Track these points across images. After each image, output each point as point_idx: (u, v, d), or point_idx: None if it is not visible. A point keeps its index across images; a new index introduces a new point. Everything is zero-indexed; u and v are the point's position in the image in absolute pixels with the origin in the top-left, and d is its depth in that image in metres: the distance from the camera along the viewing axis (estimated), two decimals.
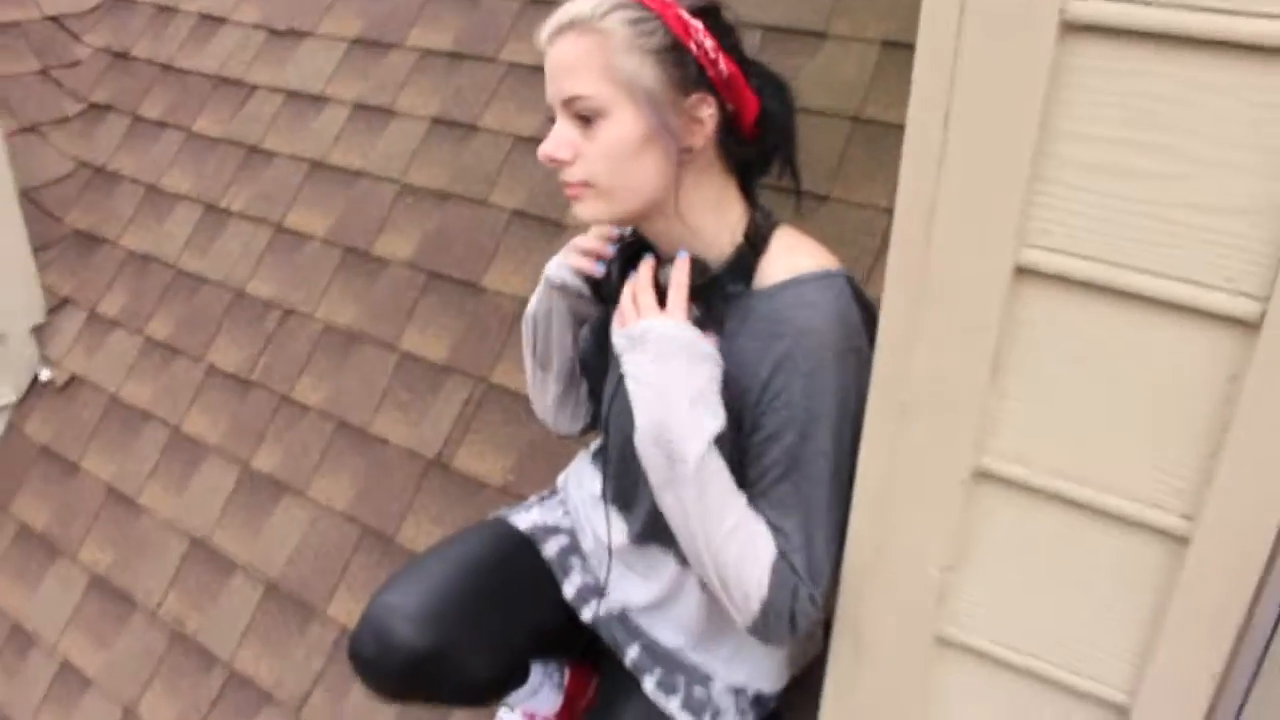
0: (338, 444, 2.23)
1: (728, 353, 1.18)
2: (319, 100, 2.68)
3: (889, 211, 1.88)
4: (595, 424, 1.53)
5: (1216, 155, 0.87)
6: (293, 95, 2.74)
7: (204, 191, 2.74)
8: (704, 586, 1.32)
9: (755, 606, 1.14)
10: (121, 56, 3.17)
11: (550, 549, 1.47)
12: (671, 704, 1.36)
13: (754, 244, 1.21)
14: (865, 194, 1.97)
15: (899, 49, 2.06)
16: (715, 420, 1.14)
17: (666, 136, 1.15)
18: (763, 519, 1.16)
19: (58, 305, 2.81)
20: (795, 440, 1.15)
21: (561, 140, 1.16)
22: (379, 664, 1.31)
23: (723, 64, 1.16)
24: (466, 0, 2.62)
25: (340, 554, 2.12)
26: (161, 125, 2.95)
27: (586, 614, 1.43)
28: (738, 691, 1.40)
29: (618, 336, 1.18)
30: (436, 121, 2.47)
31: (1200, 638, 1.00)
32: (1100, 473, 1.00)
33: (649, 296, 1.18)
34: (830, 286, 1.19)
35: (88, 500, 2.52)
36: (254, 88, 2.83)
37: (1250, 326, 0.89)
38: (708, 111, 1.16)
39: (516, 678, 1.51)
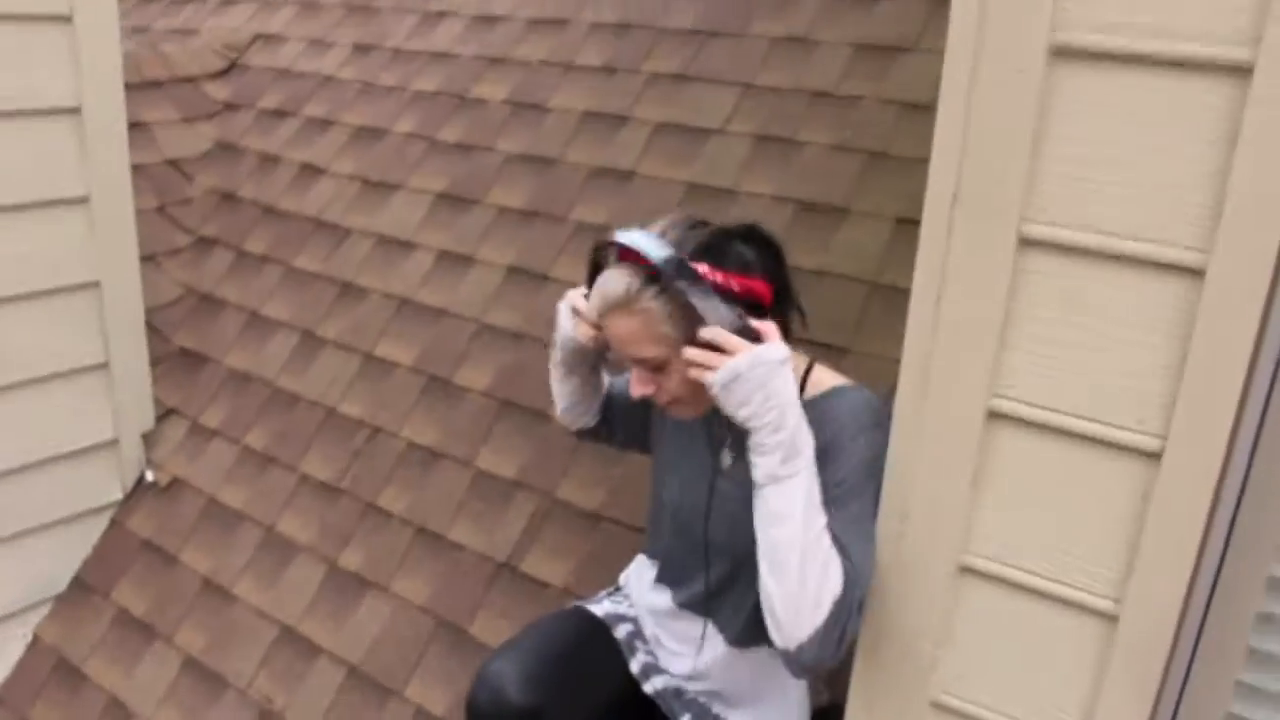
0: (417, 547, 2.56)
1: None
2: (408, 246, 3.09)
3: (898, 362, 2.24)
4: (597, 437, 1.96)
5: (1126, 335, 1.22)
6: (384, 240, 3.15)
7: (301, 320, 3.13)
8: (731, 639, 1.65)
9: (824, 612, 1.38)
10: (229, 197, 3.60)
11: (620, 632, 1.79)
12: None
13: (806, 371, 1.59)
14: (880, 348, 2.32)
15: (911, 224, 2.44)
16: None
17: None
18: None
19: (164, 414, 3.17)
20: (848, 490, 1.47)
21: (645, 381, 1.56)
22: (489, 715, 1.61)
23: (734, 283, 1.50)
24: (539, 164, 3.04)
25: (417, 643, 2.42)
26: (264, 259, 3.35)
27: (649, 687, 1.75)
28: None
29: (719, 377, 1.43)
30: (512, 270, 2.86)
31: (1131, 694, 1.32)
32: (1052, 567, 1.33)
33: (734, 338, 1.45)
34: (860, 391, 1.58)
35: (184, 589, 2.83)
36: (349, 231, 3.24)
37: (1154, 456, 1.24)
38: None
39: None
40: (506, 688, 1.60)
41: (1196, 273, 1.19)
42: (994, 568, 1.40)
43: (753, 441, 1.43)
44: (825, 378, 1.62)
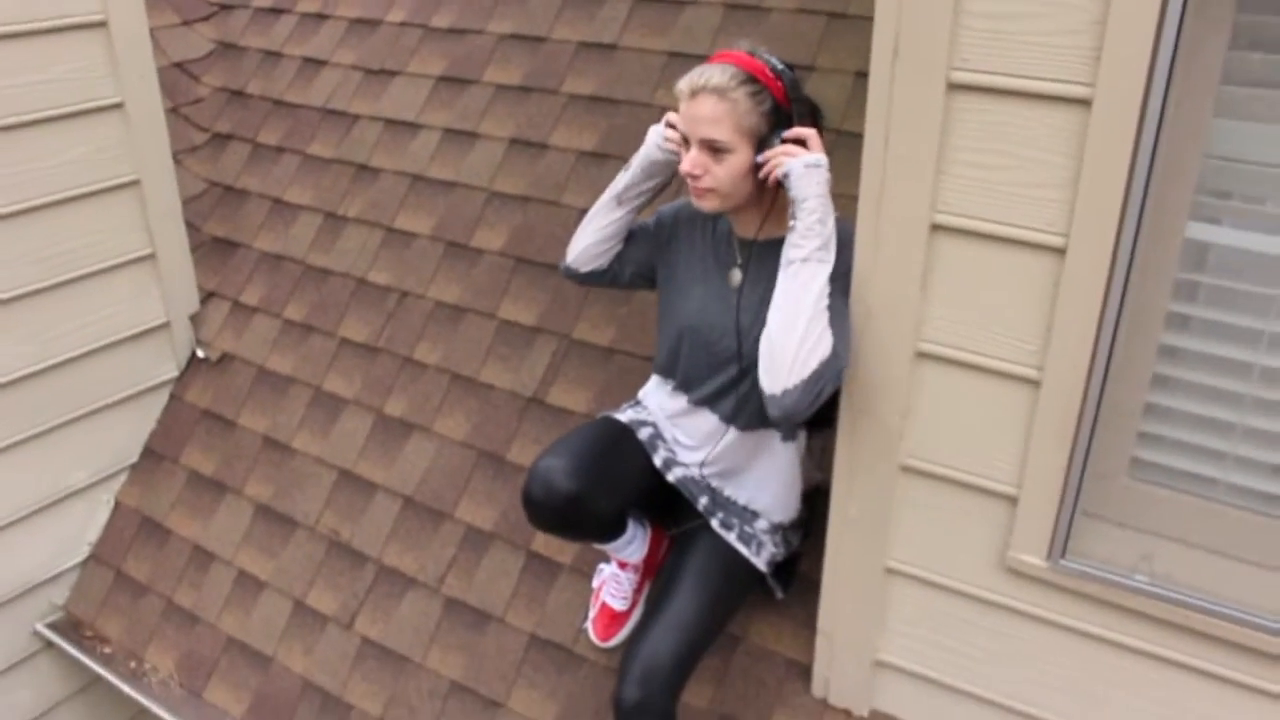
0: (453, 391, 2.92)
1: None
2: (414, 126, 3.38)
3: (849, 195, 2.57)
4: (601, 279, 2.27)
5: (1035, 156, 1.56)
6: (391, 123, 3.43)
7: (322, 202, 3.43)
8: (741, 425, 2.06)
9: (811, 368, 1.75)
10: (237, 94, 3.86)
11: (643, 434, 2.17)
12: (730, 536, 2.07)
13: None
14: (844, 188, 2.64)
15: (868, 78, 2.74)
16: None
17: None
18: None
19: (206, 298, 3.50)
20: (834, 292, 1.82)
21: (697, 162, 1.88)
22: (545, 504, 1.99)
23: (794, 115, 1.87)
24: (529, 43, 3.31)
25: (462, 472, 2.80)
26: (280, 150, 3.63)
27: (670, 477, 2.13)
28: (773, 529, 2.10)
29: (801, 160, 1.83)
30: (513, 142, 3.16)
31: (1051, 444, 1.70)
32: (987, 346, 1.70)
33: (818, 139, 1.89)
34: (841, 221, 1.92)
35: (247, 448, 3.20)
36: (357, 117, 3.52)
37: (1060, 251, 1.59)
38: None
39: (619, 528, 2.19)
40: (555, 479, 1.98)
41: (1085, 103, 1.53)
42: (943, 350, 1.77)
43: (802, 225, 1.82)
44: None
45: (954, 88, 1.62)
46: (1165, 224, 1.60)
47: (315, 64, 3.73)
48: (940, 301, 1.75)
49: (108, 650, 3.15)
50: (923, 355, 1.80)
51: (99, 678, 3.25)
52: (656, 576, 2.32)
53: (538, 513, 2.02)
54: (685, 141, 1.92)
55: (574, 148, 3.06)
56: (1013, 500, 1.80)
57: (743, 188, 1.91)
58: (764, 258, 1.98)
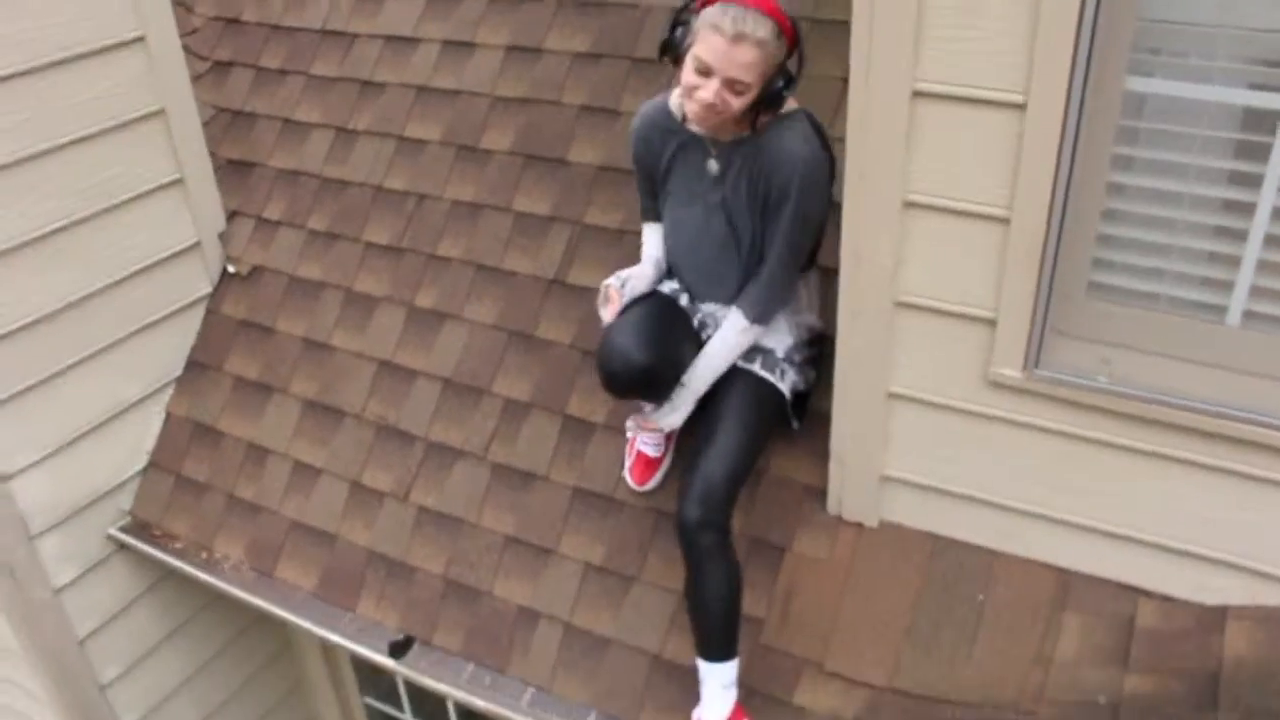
0: (479, 281, 3.21)
1: (754, 169, 2.27)
2: (413, 41, 3.60)
3: (842, 80, 2.86)
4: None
5: (994, 26, 1.87)
6: (390, 39, 3.66)
7: (332, 118, 3.66)
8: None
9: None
10: (233, 22, 4.04)
11: (683, 301, 2.52)
12: (755, 366, 2.44)
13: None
14: (822, 69, 2.93)
15: None
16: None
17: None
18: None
19: (229, 217, 3.74)
20: (790, 210, 2.25)
21: (719, 95, 2.14)
22: (624, 374, 2.33)
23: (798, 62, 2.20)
24: None
25: (495, 351, 3.11)
26: (282, 73, 3.85)
27: (705, 334, 2.49)
28: (787, 359, 2.45)
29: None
30: (510, 49, 3.40)
31: (1021, 271, 2.03)
32: (967, 192, 2.02)
33: None
34: (799, 119, 2.29)
35: (287, 351, 3.49)
36: (355, 36, 3.73)
37: (1021, 107, 1.90)
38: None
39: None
40: (631, 355, 2.32)
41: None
42: (926, 199, 2.10)
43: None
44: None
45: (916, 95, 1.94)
46: (1108, 78, 1.91)
47: None
48: (922, 157, 2.07)
49: (178, 546, 3.46)
50: (910, 205, 2.12)
51: (168, 574, 3.60)
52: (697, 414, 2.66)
53: (617, 381, 2.36)
54: (705, 71, 2.14)
55: (569, 50, 3.31)
56: (992, 323, 2.14)
57: (742, 112, 2.21)
58: (734, 152, 2.33)
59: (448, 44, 3.53)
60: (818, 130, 2.30)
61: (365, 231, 3.47)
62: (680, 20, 2.21)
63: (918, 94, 2.01)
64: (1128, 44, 1.88)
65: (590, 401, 2.92)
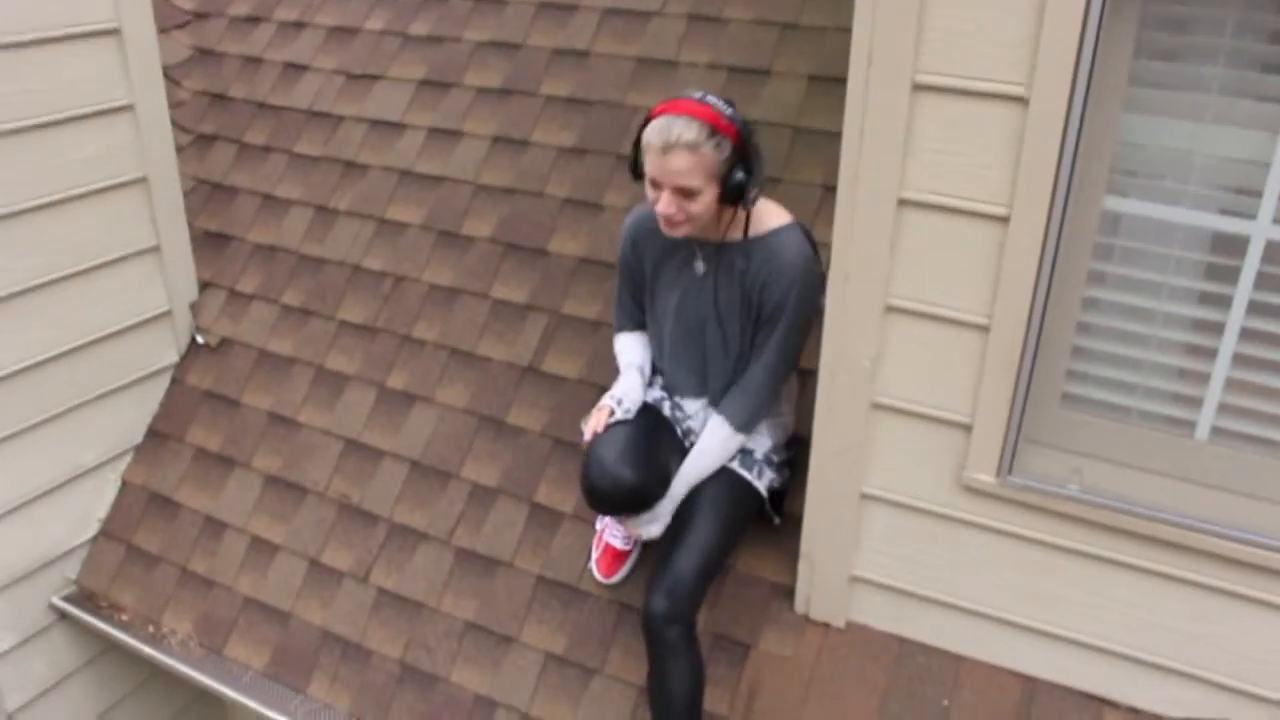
0: (452, 365, 3.22)
1: (746, 277, 2.31)
2: (399, 126, 3.66)
3: (823, 186, 2.95)
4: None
5: (981, 142, 1.94)
6: (376, 123, 3.71)
7: (313, 197, 3.70)
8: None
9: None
10: (219, 97, 4.09)
11: (666, 410, 2.54)
12: (734, 464, 2.46)
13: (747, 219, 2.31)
14: (805, 176, 3.02)
15: (821, 80, 3.13)
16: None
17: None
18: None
19: (202, 288, 3.73)
20: (784, 321, 2.30)
21: (673, 204, 2.21)
22: (613, 494, 2.33)
23: (749, 153, 2.23)
24: (506, 49, 3.62)
25: (465, 436, 3.11)
26: (267, 149, 3.89)
27: (688, 442, 2.52)
28: (765, 460, 2.48)
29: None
30: (496, 139, 3.47)
31: (999, 379, 2.08)
32: (946, 299, 2.08)
33: None
34: (794, 232, 2.31)
35: (252, 425, 3.46)
36: (342, 118, 3.79)
37: (1004, 220, 1.97)
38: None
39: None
40: (621, 472, 2.32)
41: (1023, 100, 1.91)
42: (908, 304, 2.15)
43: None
44: (769, 211, 2.35)
45: (918, 89, 1.99)
46: (1087, 197, 1.99)
47: (297, 69, 3.98)
48: (906, 263, 2.13)
49: (124, 618, 3.37)
50: (891, 309, 2.17)
51: (110, 647, 3.49)
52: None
53: (605, 501, 2.36)
54: (656, 185, 2.21)
55: (555, 144, 3.38)
56: (968, 428, 2.18)
57: (709, 214, 2.26)
58: (721, 254, 2.37)
59: (434, 131, 3.59)
60: (810, 242, 2.35)
61: (340, 310, 3.48)
62: (636, 140, 2.27)
63: (904, 202, 2.08)
64: (1106, 165, 1.97)
65: (559, 490, 2.92)
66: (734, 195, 2.22)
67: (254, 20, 4.21)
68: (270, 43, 4.11)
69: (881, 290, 2.16)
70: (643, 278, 2.53)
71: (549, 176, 3.34)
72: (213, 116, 4.07)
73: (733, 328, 2.40)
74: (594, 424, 2.41)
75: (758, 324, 2.37)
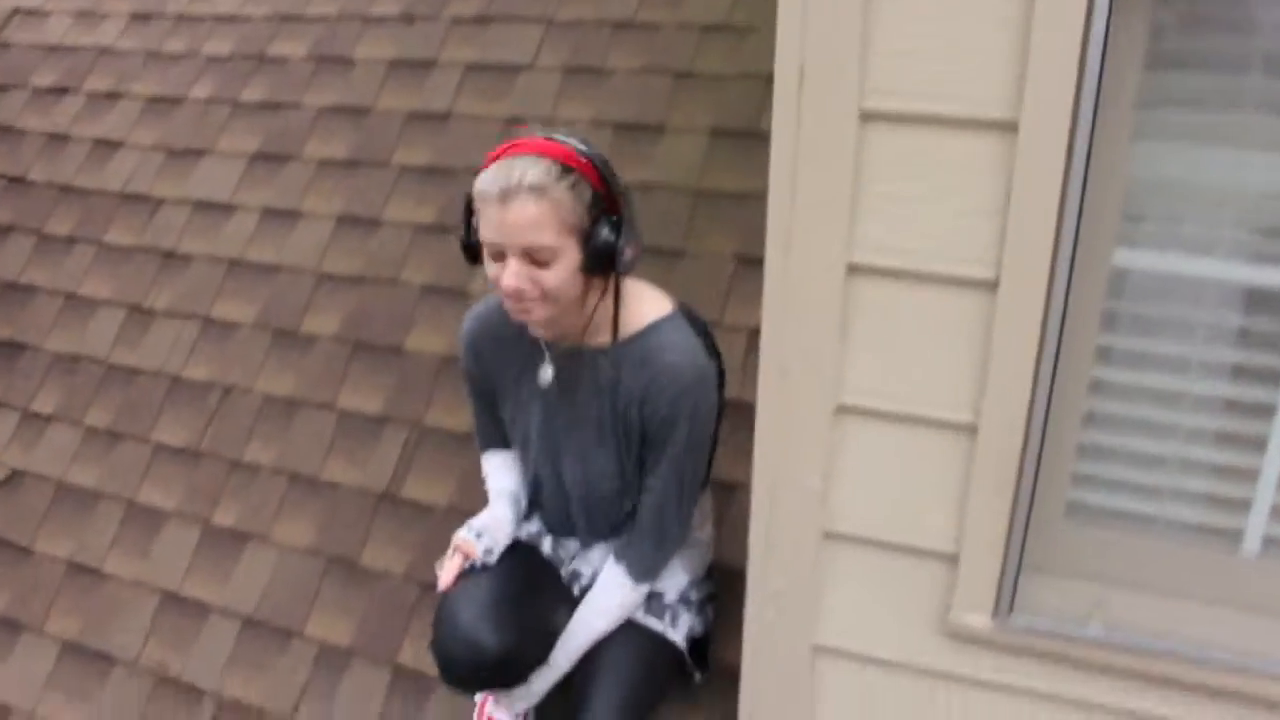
0: (293, 493, 2.62)
1: (619, 390, 1.76)
2: (227, 208, 3.09)
3: (736, 258, 2.46)
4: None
5: (954, 182, 1.46)
6: (201, 205, 3.13)
7: (125, 294, 3.09)
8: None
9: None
10: (17, 181, 3.47)
11: (546, 547, 1.98)
12: (639, 613, 1.88)
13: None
14: (712, 246, 2.53)
15: (726, 134, 2.66)
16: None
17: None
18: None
19: None
20: (677, 441, 1.76)
21: (522, 277, 1.61)
22: (469, 664, 1.73)
23: (613, 195, 1.68)
24: (353, 114, 3.09)
25: (310, 583, 2.50)
26: (71, 240, 3.27)
27: (578, 588, 1.95)
28: (681, 600, 1.93)
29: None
30: (342, 219, 2.92)
31: (991, 493, 1.57)
32: (917, 393, 1.57)
33: None
34: (676, 325, 1.78)
35: (46, 578, 2.79)
36: (161, 201, 3.21)
37: (992, 285, 1.48)
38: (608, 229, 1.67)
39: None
40: (482, 637, 1.72)
41: (1010, 127, 1.43)
42: (867, 402, 1.63)
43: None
44: (641, 298, 1.80)
45: (868, 117, 1.51)
46: (1094, 250, 1.52)
47: (109, 146, 3.40)
48: (862, 349, 1.62)
49: None
50: (845, 409, 1.65)
51: None
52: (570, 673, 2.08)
53: (461, 673, 1.77)
54: (497, 254, 1.64)
55: (410, 221, 2.84)
56: (952, 558, 1.66)
57: (572, 291, 1.67)
58: (578, 360, 1.81)
59: (269, 212, 3.03)
60: (699, 328, 1.82)
61: (155, 430, 2.85)
62: (467, 208, 1.72)
63: (856, 269, 1.58)
64: (1118, 207, 1.50)
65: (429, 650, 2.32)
66: (600, 259, 1.65)
67: (59, 91, 3.62)
68: (78, 117, 3.52)
69: (831, 386, 1.64)
70: (494, 394, 1.96)
71: (404, 260, 2.79)
72: (8, 204, 3.44)
73: (606, 455, 1.84)
74: (448, 572, 1.81)
75: (643, 445, 1.81)
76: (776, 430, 1.69)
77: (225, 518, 2.66)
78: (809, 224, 1.57)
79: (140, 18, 3.65)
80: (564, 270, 1.64)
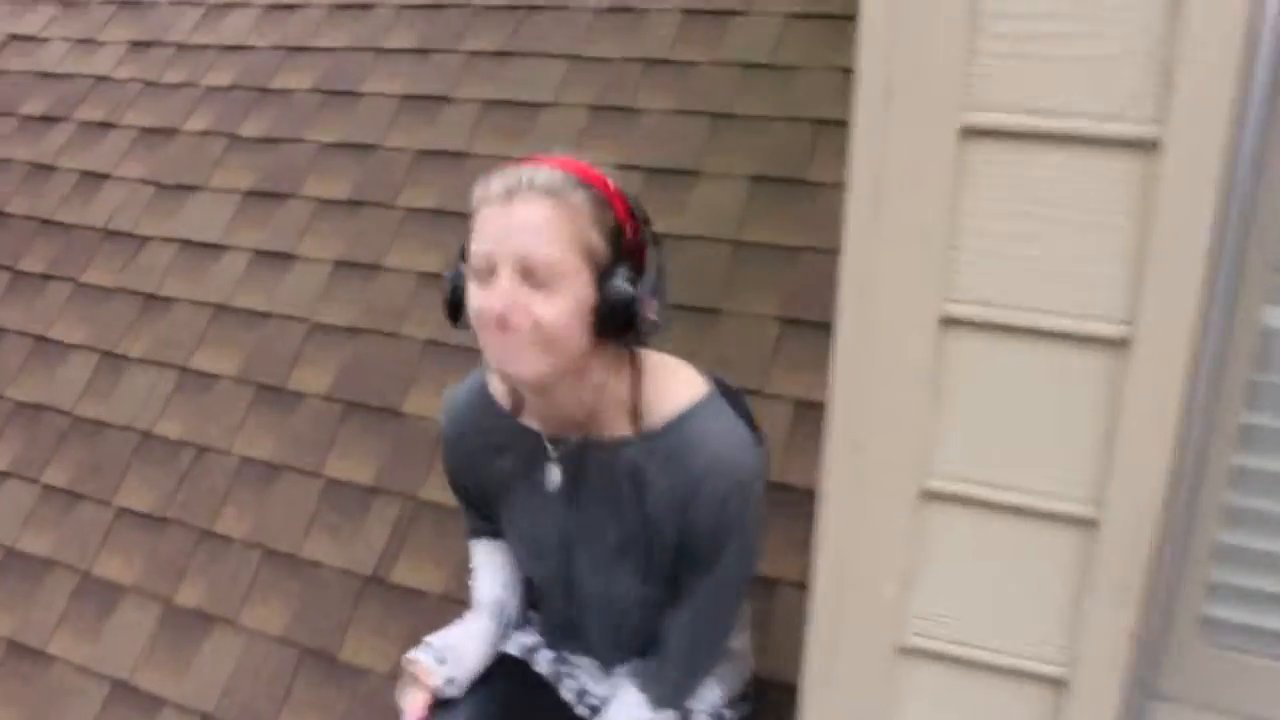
0: (267, 571, 2.30)
1: (645, 495, 1.40)
2: (216, 248, 2.82)
3: (779, 319, 2.17)
4: None
5: (1076, 218, 1.16)
6: (188, 245, 2.86)
7: (99, 340, 2.81)
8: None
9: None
10: None
11: (542, 664, 1.64)
12: None
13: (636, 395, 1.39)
14: (752, 305, 2.24)
15: (767, 181, 2.38)
16: None
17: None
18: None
19: None
20: (725, 557, 1.43)
21: (515, 302, 1.23)
22: None
23: (641, 243, 1.35)
24: (358, 151, 2.83)
25: (281, 677, 2.17)
26: (45, 278, 3.00)
27: (582, 710, 1.61)
28: (714, 713, 1.61)
29: None
30: (340, 264, 2.64)
31: (1112, 604, 1.25)
32: (1024, 478, 1.26)
33: None
34: (715, 411, 1.41)
35: None
36: (145, 239, 2.94)
37: (1122, 344, 1.18)
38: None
39: None
40: None
41: (1153, 144, 1.14)
42: (960, 488, 1.31)
43: None
44: (670, 374, 1.43)
45: (969, 133, 1.21)
46: (1244, 303, 1.23)
47: (95, 178, 3.15)
48: (956, 421, 1.31)
49: None
50: (931, 495, 1.34)
51: None
52: None
53: None
54: (487, 269, 1.25)
55: (414, 268, 2.56)
56: (1061, 683, 1.33)
57: (573, 344, 1.28)
58: (594, 454, 1.43)
59: (260, 254, 2.75)
60: (740, 410, 1.45)
61: (120, 493, 2.55)
62: (461, 256, 1.36)
63: (950, 321, 1.27)
64: (1272, 253, 1.21)
65: None
66: (615, 313, 1.28)
67: (50, 120, 3.37)
68: (65, 147, 3.27)
69: (916, 466, 1.32)
70: (482, 494, 1.59)
71: (406, 311, 2.50)
72: None
73: (628, 570, 1.48)
74: (415, 706, 1.47)
75: (677, 557, 1.45)
76: (846, 519, 1.37)
77: (189, 596, 2.34)
78: (894, 266, 1.27)
79: (140, 45, 3.42)
80: (566, 302, 1.25)
